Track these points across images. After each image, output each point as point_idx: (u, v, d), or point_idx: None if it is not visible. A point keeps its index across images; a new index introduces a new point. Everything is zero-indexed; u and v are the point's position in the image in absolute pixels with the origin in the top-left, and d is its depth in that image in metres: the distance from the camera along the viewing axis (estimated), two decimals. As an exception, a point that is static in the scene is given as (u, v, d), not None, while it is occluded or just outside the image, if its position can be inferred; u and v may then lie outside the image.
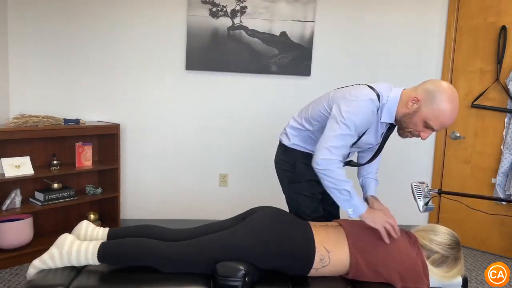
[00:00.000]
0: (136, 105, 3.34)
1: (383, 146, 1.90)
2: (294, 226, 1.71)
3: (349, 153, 1.96)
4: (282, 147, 2.08)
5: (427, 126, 1.67)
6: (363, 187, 2.03)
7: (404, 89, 1.75)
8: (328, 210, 2.08)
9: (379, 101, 1.72)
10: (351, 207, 1.72)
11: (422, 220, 3.66)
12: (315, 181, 1.93)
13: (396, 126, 1.80)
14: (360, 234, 1.72)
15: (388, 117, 1.75)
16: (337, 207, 2.11)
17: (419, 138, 1.74)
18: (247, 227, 1.67)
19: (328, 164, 1.70)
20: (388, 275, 1.65)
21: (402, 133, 1.78)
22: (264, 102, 3.47)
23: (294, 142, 2.00)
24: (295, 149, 2.00)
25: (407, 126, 1.72)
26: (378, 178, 2.06)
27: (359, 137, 1.79)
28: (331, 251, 1.66)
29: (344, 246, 1.68)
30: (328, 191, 1.76)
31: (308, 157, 1.93)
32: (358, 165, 2.03)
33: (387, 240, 1.67)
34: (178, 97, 3.38)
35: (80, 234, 1.77)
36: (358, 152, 2.07)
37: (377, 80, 3.53)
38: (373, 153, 1.96)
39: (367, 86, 1.77)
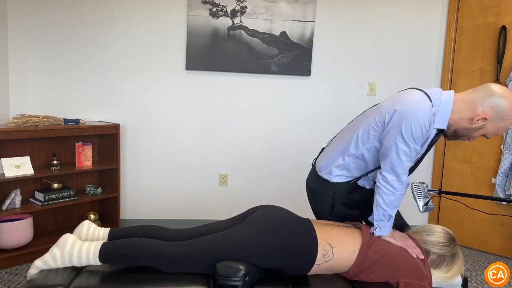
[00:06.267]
0: (136, 105, 3.35)
1: (426, 154, 1.82)
2: (295, 224, 1.71)
3: None
4: (320, 179, 1.90)
5: (483, 136, 1.70)
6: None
7: (455, 94, 1.69)
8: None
9: (432, 107, 1.64)
10: (380, 227, 1.72)
11: (422, 220, 3.66)
12: (356, 207, 1.90)
13: (443, 131, 1.75)
14: (374, 235, 1.73)
15: (441, 123, 1.67)
16: None
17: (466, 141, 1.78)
18: (247, 227, 1.67)
19: (395, 189, 1.67)
20: (390, 272, 1.65)
21: (452, 139, 1.76)
22: (264, 102, 3.47)
23: (337, 174, 1.84)
24: (337, 182, 1.85)
25: (463, 136, 1.70)
26: None
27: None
28: (335, 247, 1.66)
29: (350, 243, 1.68)
30: (374, 202, 1.73)
31: (349, 186, 1.84)
32: None
33: (414, 255, 1.67)
34: (178, 97, 3.38)
35: (81, 234, 1.77)
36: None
37: (377, 80, 3.54)
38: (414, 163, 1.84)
39: (418, 91, 1.67)
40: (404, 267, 1.64)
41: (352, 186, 1.85)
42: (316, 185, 1.93)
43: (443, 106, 1.65)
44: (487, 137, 1.69)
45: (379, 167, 1.76)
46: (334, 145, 1.92)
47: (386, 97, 3.53)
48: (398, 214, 2.02)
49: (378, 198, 1.70)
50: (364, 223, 1.92)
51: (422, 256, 1.68)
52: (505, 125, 1.62)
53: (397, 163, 1.64)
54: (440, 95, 1.67)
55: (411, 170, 1.81)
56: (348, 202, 1.87)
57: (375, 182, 1.82)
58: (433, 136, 1.72)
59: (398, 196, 1.69)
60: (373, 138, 1.73)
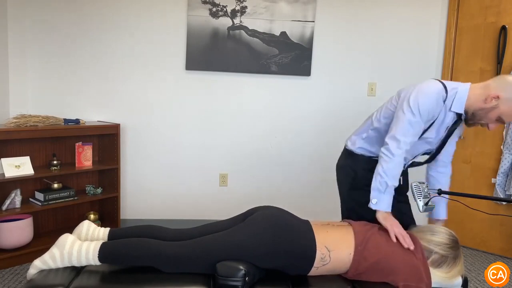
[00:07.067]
0: (136, 105, 3.35)
1: (446, 140, 1.91)
2: (295, 226, 1.72)
3: (415, 156, 2.01)
4: (346, 152, 2.12)
5: (499, 120, 1.77)
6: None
7: (470, 84, 1.83)
8: (401, 211, 2.06)
9: (446, 92, 1.79)
10: (377, 198, 1.77)
11: (422, 220, 3.65)
12: None
13: (464, 118, 1.85)
14: (367, 234, 1.72)
15: (458, 107, 1.80)
16: (409, 208, 2.13)
17: (486, 128, 1.83)
18: (247, 227, 1.67)
19: (393, 154, 1.76)
20: (389, 276, 1.65)
21: (472, 124, 1.85)
22: (264, 102, 3.47)
23: (359, 145, 2.04)
24: (360, 154, 2.04)
25: (481, 118, 1.79)
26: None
27: (424, 131, 1.83)
28: (332, 250, 1.66)
29: (346, 245, 1.68)
30: (374, 172, 1.82)
31: (371, 162, 1.95)
32: (420, 164, 2.12)
33: (393, 239, 1.70)
34: (178, 97, 3.38)
35: (81, 234, 1.77)
36: (430, 171, 2.17)
37: (377, 80, 3.54)
38: (433, 151, 1.98)
39: (435, 79, 1.85)
40: (402, 270, 1.64)
41: (373, 164, 1.94)
42: (342, 160, 2.15)
43: (460, 92, 1.79)
44: (504, 122, 1.77)
45: None
46: (363, 123, 2.12)
47: (386, 97, 3.53)
48: (409, 213, 2.14)
49: (377, 167, 1.81)
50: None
51: (412, 247, 1.68)
52: None
53: (400, 128, 1.77)
54: (456, 84, 1.83)
55: (433, 157, 1.99)
56: (368, 177, 1.95)
57: None
58: (451, 121, 1.83)
59: (396, 163, 1.77)
60: (391, 114, 1.92)
